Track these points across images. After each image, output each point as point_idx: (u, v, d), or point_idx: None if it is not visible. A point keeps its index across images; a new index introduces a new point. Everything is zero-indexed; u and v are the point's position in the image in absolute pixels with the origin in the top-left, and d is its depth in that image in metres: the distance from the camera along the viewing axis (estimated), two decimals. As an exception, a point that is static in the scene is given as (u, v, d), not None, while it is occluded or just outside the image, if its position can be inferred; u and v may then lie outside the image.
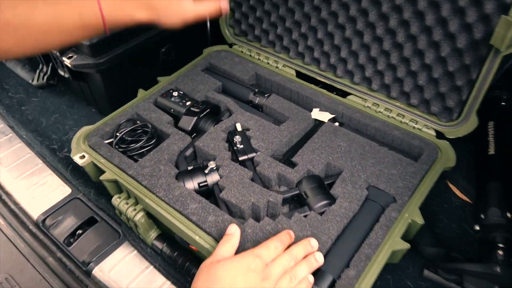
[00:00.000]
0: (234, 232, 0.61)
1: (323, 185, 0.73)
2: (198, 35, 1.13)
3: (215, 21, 1.09)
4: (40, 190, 0.93)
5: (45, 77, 1.09)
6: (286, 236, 0.60)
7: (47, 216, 0.89)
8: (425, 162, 0.76)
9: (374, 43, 0.83)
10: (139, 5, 0.63)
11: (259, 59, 1.03)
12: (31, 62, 1.20)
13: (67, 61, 0.93)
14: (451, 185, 0.92)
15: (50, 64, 1.06)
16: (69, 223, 0.88)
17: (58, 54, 0.94)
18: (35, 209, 0.90)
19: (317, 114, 0.88)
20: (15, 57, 0.63)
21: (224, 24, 1.06)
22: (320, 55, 0.93)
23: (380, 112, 0.86)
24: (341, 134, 0.82)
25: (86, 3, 0.60)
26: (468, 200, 0.90)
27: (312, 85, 0.95)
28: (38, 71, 1.10)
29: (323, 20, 0.88)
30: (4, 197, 0.93)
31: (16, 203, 0.92)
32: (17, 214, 0.90)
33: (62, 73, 1.00)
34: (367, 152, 0.78)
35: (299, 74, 0.98)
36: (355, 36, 0.85)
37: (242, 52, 1.05)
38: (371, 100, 0.88)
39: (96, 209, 0.90)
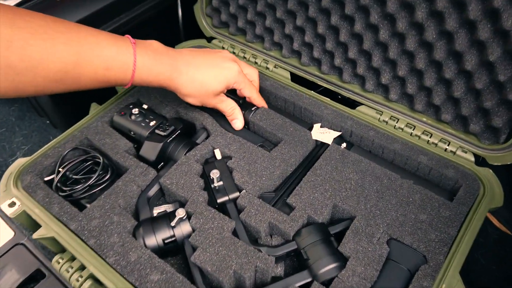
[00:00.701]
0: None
1: (329, 240, 0.54)
2: (169, 26, 0.92)
3: (189, 9, 0.87)
4: (-25, 234, 0.75)
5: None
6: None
7: (-17, 270, 0.71)
8: (464, 202, 0.57)
9: (393, 41, 0.63)
10: (168, 80, 0.58)
11: (244, 58, 0.82)
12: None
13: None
14: (488, 214, 0.74)
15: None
16: (10, 278, 0.70)
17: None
18: (-31, 261, 0.71)
19: (318, 133, 0.68)
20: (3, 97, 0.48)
21: (200, 13, 0.85)
22: (321, 54, 0.73)
23: (400, 128, 0.67)
24: (350, 162, 0.63)
25: (119, 50, 0.52)
26: (509, 232, 0.72)
27: (312, 92, 0.75)
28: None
29: (325, 10, 0.68)
30: None
31: None
32: None
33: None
34: (386, 188, 0.59)
35: (295, 78, 0.78)
36: (368, 31, 0.65)
37: (223, 48, 0.84)
38: (388, 112, 0.68)
39: (44, 259, 0.71)
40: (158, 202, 0.66)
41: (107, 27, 0.78)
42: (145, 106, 0.73)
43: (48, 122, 0.96)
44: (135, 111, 0.70)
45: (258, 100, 0.71)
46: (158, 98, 0.75)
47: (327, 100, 0.73)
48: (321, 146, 0.68)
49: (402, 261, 0.52)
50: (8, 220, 0.77)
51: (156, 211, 0.62)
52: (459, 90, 0.59)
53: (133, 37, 0.86)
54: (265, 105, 0.72)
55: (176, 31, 0.91)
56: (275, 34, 0.76)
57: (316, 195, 0.59)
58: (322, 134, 0.68)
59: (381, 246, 0.53)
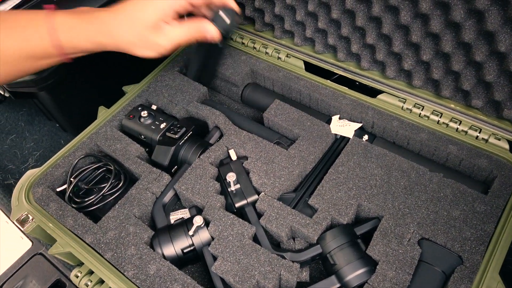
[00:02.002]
0: None
1: (356, 242, 0.51)
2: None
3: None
4: (-6, 245, 0.74)
5: (-12, 93, 0.87)
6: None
7: (5, 282, 0.70)
8: (500, 195, 0.53)
9: (415, 23, 0.57)
10: (101, 34, 0.51)
11: (254, 48, 0.78)
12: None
13: (0, 79, 0.70)
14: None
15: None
16: (31, 290, 0.69)
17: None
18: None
19: (337, 126, 0.64)
20: None
21: (204, 4, 0.80)
22: (336, 40, 0.68)
23: (426, 117, 0.62)
24: (374, 156, 0.59)
25: (34, 29, 0.48)
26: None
27: (328, 81, 0.70)
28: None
29: (338, -8, 0.63)
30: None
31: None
32: (-33, 281, 0.72)
33: (1, 92, 0.77)
34: (414, 183, 0.56)
35: (309, 67, 0.73)
36: (387, 14, 0.60)
37: (231, 39, 0.80)
38: (412, 100, 0.64)
39: (64, 269, 0.71)
40: (174, 207, 0.64)
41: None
42: (154, 107, 0.70)
43: (57, 125, 0.94)
44: (144, 113, 0.67)
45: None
46: (166, 98, 0.71)
47: (344, 89, 0.68)
48: (341, 140, 0.64)
49: (436, 262, 0.49)
50: (25, 230, 0.76)
51: (173, 217, 0.59)
52: (491, 73, 0.54)
53: None
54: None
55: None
56: (285, 21, 0.72)
57: (340, 195, 0.56)
58: (342, 127, 0.64)
59: (413, 248, 0.50)
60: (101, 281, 0.55)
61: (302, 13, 0.68)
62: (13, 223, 0.77)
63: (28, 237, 0.75)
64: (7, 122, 0.96)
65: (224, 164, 0.62)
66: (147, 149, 0.66)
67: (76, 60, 0.72)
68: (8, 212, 0.79)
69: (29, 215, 0.58)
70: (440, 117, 0.61)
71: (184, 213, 0.60)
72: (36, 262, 0.72)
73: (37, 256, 0.73)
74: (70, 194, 0.60)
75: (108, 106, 0.72)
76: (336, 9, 0.64)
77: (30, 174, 0.63)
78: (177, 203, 0.64)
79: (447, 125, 0.61)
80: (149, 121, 0.67)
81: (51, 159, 0.65)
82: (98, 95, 0.80)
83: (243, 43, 0.79)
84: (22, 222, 0.58)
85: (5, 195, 0.81)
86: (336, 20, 0.65)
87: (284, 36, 0.74)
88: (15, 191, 0.62)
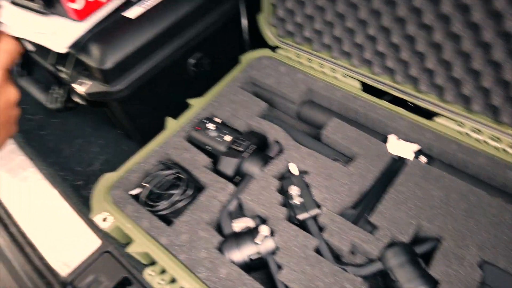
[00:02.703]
0: None
1: (417, 261, 0.54)
2: (234, 36, 0.93)
3: (253, 19, 0.88)
4: (67, 241, 0.81)
5: (62, 100, 0.94)
6: None
7: (77, 276, 0.76)
8: (561, 222, 0.55)
9: (476, 51, 0.60)
10: None
11: (311, 67, 0.82)
12: (47, 81, 1.05)
13: (78, 89, 0.77)
14: None
15: (67, 88, 0.91)
16: (100, 285, 0.75)
17: (68, 78, 0.78)
18: (63, 266, 0.78)
19: (395, 146, 0.67)
20: None
21: (264, 23, 0.85)
22: (395, 63, 0.71)
23: (484, 142, 0.64)
24: (433, 178, 0.62)
25: None
26: None
27: (385, 102, 0.73)
28: (51, 93, 0.96)
29: (400, 20, 0.66)
30: (28, 250, 0.82)
31: (41, 258, 0.80)
32: (43, 272, 0.79)
33: (77, 100, 0.85)
34: (474, 206, 0.58)
35: (366, 87, 0.76)
36: (449, 40, 0.62)
37: (288, 57, 0.84)
38: (469, 124, 0.66)
39: (130, 267, 0.76)
40: (236, 214, 0.68)
41: (177, 42, 0.80)
42: (218, 120, 0.75)
43: (121, 132, 1.01)
44: (211, 126, 0.72)
45: None
46: (229, 111, 0.76)
47: (401, 110, 0.71)
48: (398, 160, 0.67)
49: (498, 286, 0.51)
50: (95, 228, 0.82)
51: (235, 224, 0.64)
52: (556, 103, 0.56)
53: (199, 50, 0.88)
54: None
55: (241, 41, 0.92)
56: (344, 43, 0.75)
57: (400, 214, 0.58)
58: (399, 147, 0.67)
59: (474, 270, 0.52)
60: (173, 280, 0.60)
61: (362, 37, 0.72)
62: (83, 221, 0.84)
63: (97, 235, 0.81)
64: (74, 127, 1.04)
65: (285, 178, 0.66)
66: (212, 161, 0.71)
67: (146, 75, 0.79)
68: (77, 210, 0.86)
69: (109, 216, 0.64)
70: (498, 143, 0.63)
71: (247, 222, 0.64)
72: (105, 259, 0.78)
73: (106, 254, 0.79)
74: (145, 198, 0.66)
75: (173, 117, 0.77)
76: (397, 34, 0.67)
77: (108, 177, 0.69)
78: (236, 210, 0.68)
79: (506, 151, 0.62)
80: (214, 134, 0.72)
81: (126, 164, 0.71)
82: (163, 106, 0.86)
83: (299, 62, 0.83)
84: (102, 221, 0.64)
85: (75, 195, 0.88)
86: (396, 44, 0.68)
87: (341, 57, 0.78)
88: (96, 193, 0.68)
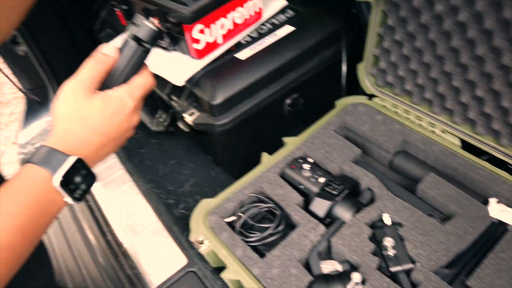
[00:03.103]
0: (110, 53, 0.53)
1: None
2: (331, 81, 0.97)
3: (351, 65, 0.92)
4: (156, 255, 0.88)
5: (165, 124, 1.04)
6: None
7: (162, 289, 0.82)
8: None
9: None
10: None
11: (408, 119, 0.83)
12: (152, 106, 1.17)
13: (187, 118, 0.85)
14: None
15: (171, 114, 1.01)
16: (183, 302, 0.80)
17: (179, 108, 0.87)
18: (151, 279, 0.84)
19: (496, 210, 0.65)
20: None
21: (363, 72, 0.88)
22: (502, 126, 0.70)
23: None
24: (539, 250, 0.59)
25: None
26: None
27: (486, 162, 0.72)
28: (157, 117, 1.06)
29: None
30: (121, 258, 0.90)
31: (132, 267, 0.88)
32: (133, 280, 0.85)
33: (181, 126, 0.93)
34: None
35: (466, 145, 0.75)
36: None
37: (385, 107, 0.86)
38: None
39: (212, 288, 0.80)
40: (324, 256, 0.70)
41: (279, 84, 0.86)
42: (311, 160, 0.79)
43: (209, 158, 1.09)
44: (306, 166, 0.75)
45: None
46: (323, 154, 0.79)
47: (504, 173, 0.69)
48: (498, 225, 0.64)
49: None
50: (182, 247, 0.88)
51: (324, 265, 0.65)
52: None
53: (296, 92, 0.92)
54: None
55: (337, 87, 0.96)
56: (447, 100, 0.76)
57: (501, 282, 0.56)
58: (502, 212, 0.65)
59: None
60: (260, 312, 0.63)
61: (468, 97, 0.72)
62: (172, 239, 0.90)
63: (184, 254, 0.86)
64: (170, 149, 1.13)
65: (378, 227, 0.66)
66: (303, 199, 0.74)
67: (247, 112, 0.84)
68: (167, 228, 0.93)
69: (205, 240, 0.69)
70: None
71: (335, 265, 0.65)
72: (189, 278, 0.83)
73: (191, 274, 0.84)
74: (240, 227, 0.70)
75: (266, 151, 0.82)
76: (507, 97, 0.67)
77: (206, 203, 0.75)
78: (326, 253, 0.70)
79: None
80: (309, 174, 0.75)
81: (223, 193, 0.76)
82: (257, 141, 0.92)
83: (396, 112, 0.84)
84: (199, 243, 0.69)
85: (166, 213, 0.95)
86: (505, 108, 0.67)
87: (442, 112, 0.78)
88: (194, 216, 0.73)
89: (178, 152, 1.12)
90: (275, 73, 0.85)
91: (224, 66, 0.84)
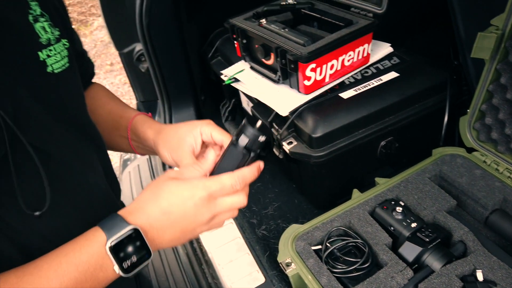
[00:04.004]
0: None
1: None
2: (430, 130, 0.98)
3: (453, 116, 0.92)
4: (236, 269, 0.93)
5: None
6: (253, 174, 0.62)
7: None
8: None
9: None
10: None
11: (509, 178, 0.80)
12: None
13: (285, 146, 0.91)
14: None
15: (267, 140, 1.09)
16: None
17: (278, 136, 0.94)
18: (229, 290, 0.89)
19: None
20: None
21: (465, 125, 0.88)
22: None
23: None
24: None
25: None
26: None
27: None
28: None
29: None
30: (204, 266, 0.97)
31: (213, 277, 0.94)
32: (212, 289, 0.91)
33: (276, 153, 1.00)
34: None
35: None
36: None
37: (485, 162, 0.85)
38: None
39: (287, 311, 0.83)
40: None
41: (377, 125, 0.90)
42: (402, 203, 0.80)
43: (294, 186, 1.13)
44: (398, 209, 0.76)
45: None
46: (416, 199, 0.80)
47: None
48: None
49: None
50: (262, 266, 0.93)
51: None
52: None
53: (392, 135, 0.94)
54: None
55: (435, 136, 0.96)
56: (559, 164, 0.73)
57: None
58: None
59: None
60: None
61: None
62: (252, 256, 0.95)
63: (263, 274, 0.91)
64: (257, 171, 1.21)
65: (470, 282, 0.65)
66: (392, 241, 0.75)
67: (342, 148, 0.88)
68: (249, 245, 0.98)
69: (291, 262, 0.73)
70: None
71: (420, 313, 0.65)
72: (265, 297, 0.87)
73: (268, 292, 0.88)
74: (326, 257, 0.73)
75: (361, 191, 0.84)
76: None
77: (295, 228, 0.79)
78: (409, 299, 0.69)
79: None
80: (400, 217, 0.76)
81: (312, 221, 0.80)
82: (346, 177, 0.95)
83: (497, 170, 0.82)
84: (286, 265, 0.73)
85: (250, 231, 1.01)
86: None
87: (551, 177, 0.75)
88: (283, 238, 0.78)
89: (264, 176, 1.19)
90: (375, 115, 0.88)
91: (327, 103, 0.90)
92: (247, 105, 1.17)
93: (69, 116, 0.62)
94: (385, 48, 0.99)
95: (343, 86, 0.93)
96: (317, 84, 0.89)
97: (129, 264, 0.52)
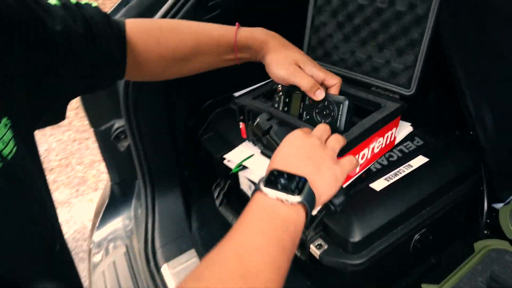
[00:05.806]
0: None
1: None
2: (459, 218, 0.89)
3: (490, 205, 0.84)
4: None
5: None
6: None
7: None
8: None
9: None
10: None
11: None
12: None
13: (314, 250, 0.77)
14: None
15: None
16: None
17: (303, 237, 0.79)
18: None
19: None
20: (163, 79, 0.82)
21: (507, 216, 0.80)
22: None
23: None
24: None
25: (225, 31, 0.73)
26: None
27: None
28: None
29: None
30: None
31: None
32: None
33: (298, 253, 0.85)
34: None
35: None
36: None
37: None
38: None
39: None
40: None
41: (416, 220, 0.78)
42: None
43: (309, 283, 0.98)
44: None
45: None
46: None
47: None
48: None
49: None
50: None
51: None
52: None
53: (425, 227, 0.83)
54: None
55: (472, 224, 0.87)
56: None
57: None
58: None
59: None
60: None
61: None
62: None
63: None
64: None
65: None
66: None
67: (383, 250, 0.75)
68: None
69: None
70: None
71: None
72: None
73: None
74: None
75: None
76: None
77: None
78: None
79: None
80: None
81: None
82: (384, 281, 0.82)
83: (553, 267, 0.74)
84: None
85: None
86: None
87: None
88: None
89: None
90: (413, 208, 0.78)
91: (358, 196, 0.78)
92: (248, 188, 1.03)
93: None
94: (406, 128, 0.91)
95: (370, 174, 0.83)
96: (348, 177, 0.77)
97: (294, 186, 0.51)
